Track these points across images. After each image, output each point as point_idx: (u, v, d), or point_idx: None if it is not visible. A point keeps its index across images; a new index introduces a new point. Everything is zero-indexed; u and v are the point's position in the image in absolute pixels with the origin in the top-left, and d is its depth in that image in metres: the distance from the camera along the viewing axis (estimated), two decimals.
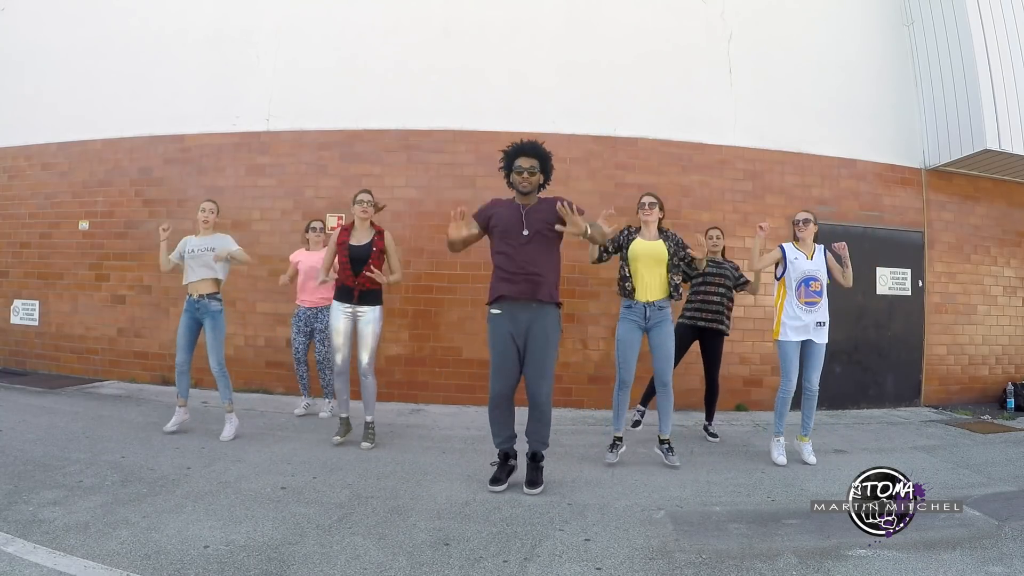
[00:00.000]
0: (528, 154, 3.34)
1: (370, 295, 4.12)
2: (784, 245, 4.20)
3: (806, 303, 4.01)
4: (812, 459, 4.03)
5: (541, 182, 3.39)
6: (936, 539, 2.82)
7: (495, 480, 3.40)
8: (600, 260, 4.00)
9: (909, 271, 6.53)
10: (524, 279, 3.28)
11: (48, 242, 6.70)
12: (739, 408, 5.96)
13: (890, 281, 6.47)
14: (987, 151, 5.98)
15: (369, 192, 4.27)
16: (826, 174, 6.37)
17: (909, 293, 6.53)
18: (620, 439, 4.00)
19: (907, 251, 6.56)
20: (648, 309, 3.84)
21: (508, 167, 3.38)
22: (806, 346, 4.03)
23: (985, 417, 5.94)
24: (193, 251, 4.39)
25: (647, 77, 6.14)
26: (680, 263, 3.95)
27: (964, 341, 6.72)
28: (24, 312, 6.78)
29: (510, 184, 3.39)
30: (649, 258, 3.85)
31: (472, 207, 5.83)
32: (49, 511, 2.80)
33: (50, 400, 5.33)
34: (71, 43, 6.71)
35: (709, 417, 4.85)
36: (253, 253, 6.05)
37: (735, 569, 2.49)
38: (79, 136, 6.63)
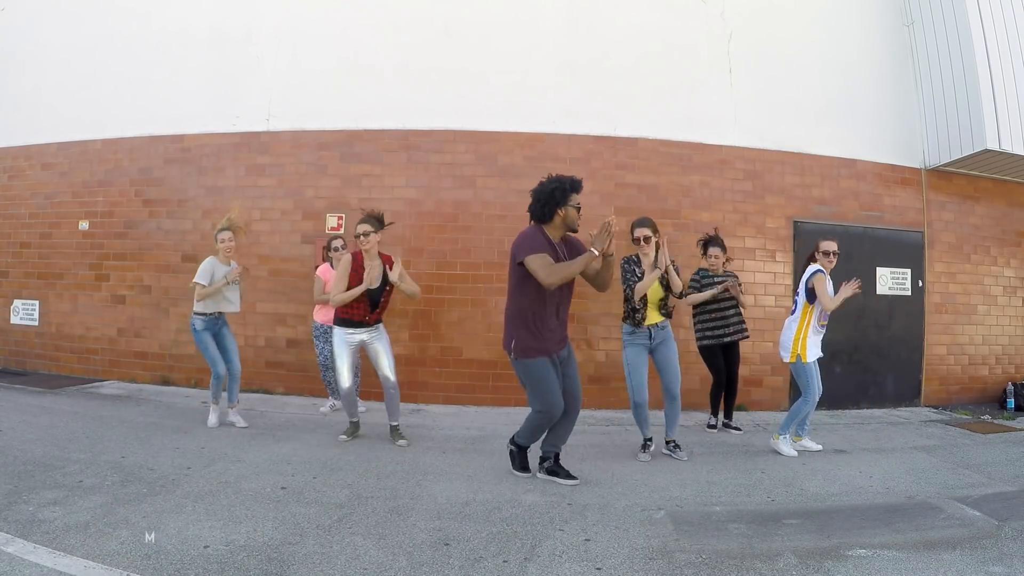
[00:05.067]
0: (578, 191, 3.37)
1: (380, 320, 4.33)
2: (824, 271, 4.27)
3: (822, 325, 4.26)
4: (817, 446, 4.39)
5: None
6: (936, 539, 2.82)
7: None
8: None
9: (909, 271, 6.53)
10: (560, 324, 3.47)
11: (48, 242, 6.70)
12: (739, 408, 5.93)
13: (890, 281, 6.47)
14: (987, 151, 5.98)
15: (367, 221, 4.20)
16: (826, 174, 6.37)
17: (909, 293, 6.53)
18: (650, 440, 4.17)
19: (907, 251, 6.56)
20: (653, 330, 4.03)
21: (562, 201, 3.32)
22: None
23: (985, 417, 5.94)
24: (230, 283, 4.61)
25: (647, 77, 6.14)
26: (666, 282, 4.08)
27: (964, 341, 6.72)
28: (24, 312, 6.78)
29: (553, 216, 3.35)
30: (651, 297, 4.04)
31: (472, 207, 5.93)
32: (49, 511, 2.80)
33: (50, 400, 5.33)
34: (71, 43, 6.72)
35: (728, 415, 5.10)
36: (253, 253, 6.08)
37: (735, 569, 2.49)
38: (79, 136, 6.64)
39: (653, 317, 4.05)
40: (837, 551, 2.67)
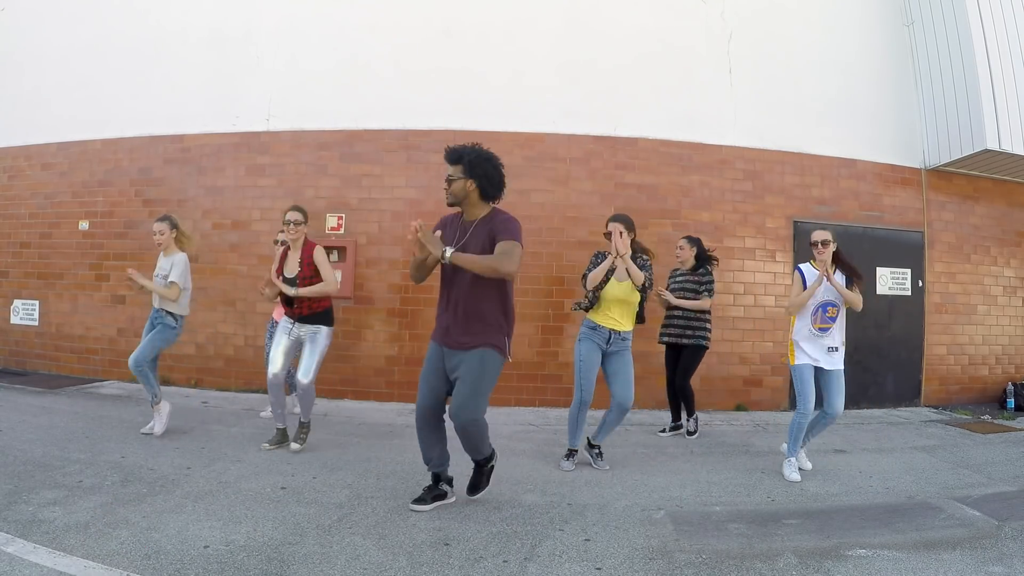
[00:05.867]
0: (448, 160, 2.92)
1: (312, 317, 3.99)
2: (802, 267, 3.91)
3: (819, 328, 3.79)
4: (809, 464, 3.98)
5: (477, 189, 2.89)
6: (936, 539, 2.82)
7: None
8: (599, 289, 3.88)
9: (909, 271, 6.54)
10: (452, 319, 2.93)
11: (48, 242, 6.70)
12: (739, 408, 5.96)
13: (890, 281, 6.47)
14: (987, 151, 5.98)
15: (298, 209, 4.03)
16: (826, 174, 6.38)
17: (909, 293, 6.53)
18: (575, 451, 3.93)
19: (907, 251, 6.56)
20: (612, 335, 3.79)
21: None
22: (822, 374, 3.80)
23: (985, 417, 5.94)
24: (156, 275, 4.29)
25: (647, 77, 6.15)
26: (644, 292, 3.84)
27: (964, 341, 6.72)
28: (24, 312, 6.78)
29: None
30: (622, 301, 3.79)
31: None
32: (49, 511, 2.80)
33: (50, 400, 5.33)
34: (71, 43, 6.72)
35: (676, 417, 4.89)
36: (252, 253, 6.08)
37: (735, 569, 2.49)
38: (79, 136, 6.63)
39: (616, 325, 3.78)
40: (837, 551, 2.67)
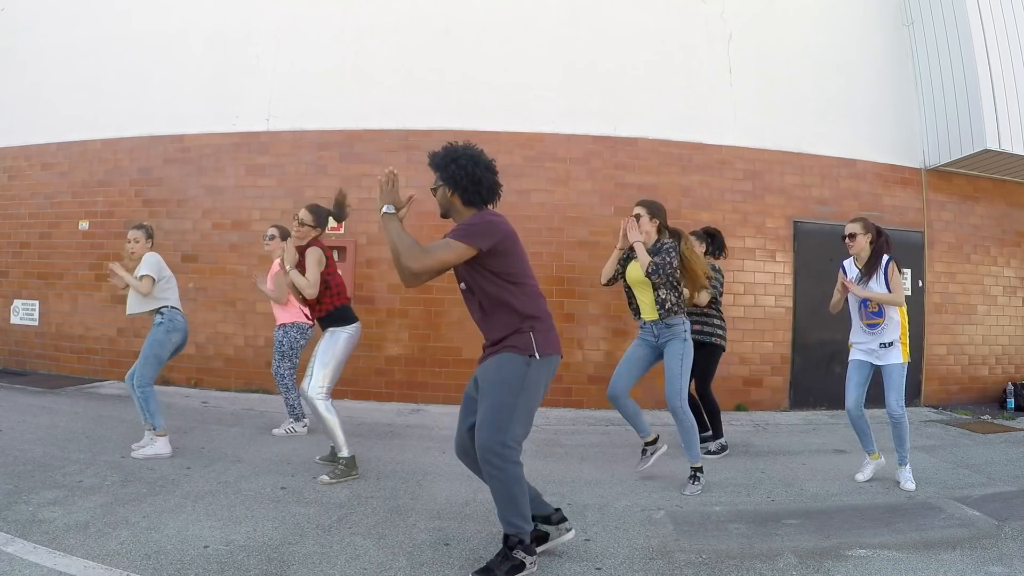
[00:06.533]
0: (430, 167, 2.58)
1: (322, 320, 3.67)
2: (845, 262, 3.85)
3: (867, 325, 3.69)
4: (909, 486, 3.56)
5: (457, 196, 2.47)
6: (936, 539, 2.82)
7: None
8: (612, 281, 3.73)
9: (909, 271, 6.53)
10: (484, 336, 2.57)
11: (48, 242, 6.70)
12: (739, 408, 5.96)
13: None
14: (987, 151, 5.98)
15: (310, 210, 3.77)
16: (826, 174, 6.37)
17: (909, 293, 6.51)
18: (651, 442, 3.74)
19: (907, 251, 6.54)
20: (655, 327, 3.56)
21: None
22: (878, 369, 3.71)
23: (985, 417, 5.93)
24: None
25: (647, 77, 6.15)
26: (669, 279, 3.46)
27: (964, 341, 6.72)
28: (24, 312, 6.78)
29: None
30: (637, 282, 3.58)
31: None
32: (49, 511, 2.80)
33: (50, 400, 5.33)
34: (71, 43, 6.72)
35: (704, 430, 4.30)
36: (252, 253, 6.07)
37: (735, 569, 2.49)
38: (79, 136, 6.64)
39: (650, 314, 3.56)
40: (837, 551, 2.67)
